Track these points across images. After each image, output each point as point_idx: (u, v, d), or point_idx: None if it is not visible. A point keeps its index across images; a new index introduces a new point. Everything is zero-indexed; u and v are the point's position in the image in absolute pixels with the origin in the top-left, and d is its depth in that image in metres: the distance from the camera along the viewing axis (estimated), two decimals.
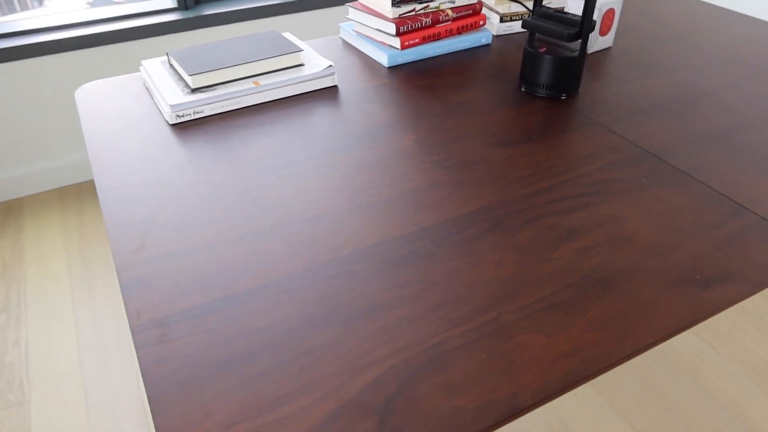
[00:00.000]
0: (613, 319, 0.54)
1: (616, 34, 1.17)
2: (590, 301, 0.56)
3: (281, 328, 0.53)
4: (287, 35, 1.04)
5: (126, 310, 0.55)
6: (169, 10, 1.96)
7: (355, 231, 0.65)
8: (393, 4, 0.99)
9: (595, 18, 1.04)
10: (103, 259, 1.62)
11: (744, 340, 1.38)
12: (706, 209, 0.68)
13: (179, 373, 0.49)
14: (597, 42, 1.08)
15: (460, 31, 1.08)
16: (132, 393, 1.25)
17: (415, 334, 0.52)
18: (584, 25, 0.86)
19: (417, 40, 1.03)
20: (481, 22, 1.10)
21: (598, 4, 1.03)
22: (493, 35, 1.16)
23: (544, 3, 0.93)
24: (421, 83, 0.98)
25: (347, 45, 1.12)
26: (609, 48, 1.11)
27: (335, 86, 0.96)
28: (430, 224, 0.66)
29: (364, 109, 0.90)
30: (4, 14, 1.92)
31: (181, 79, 0.91)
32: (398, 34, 1.00)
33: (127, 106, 0.90)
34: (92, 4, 2.00)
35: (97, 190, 0.72)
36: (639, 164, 0.76)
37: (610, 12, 1.05)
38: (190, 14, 1.92)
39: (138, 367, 1.30)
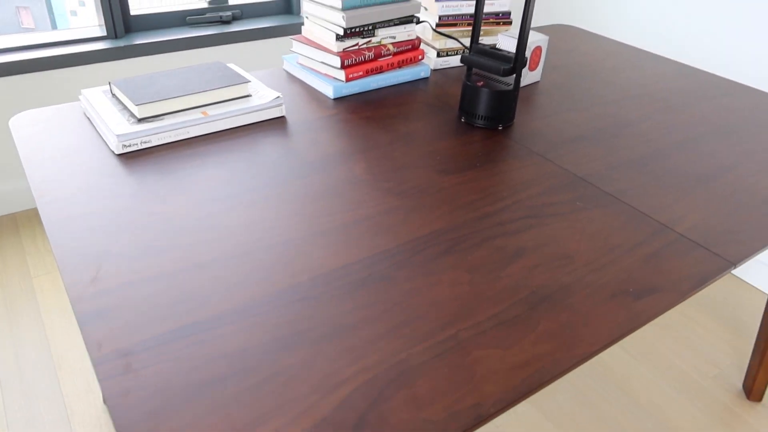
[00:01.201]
0: (560, 331, 0.59)
1: (543, 69, 1.26)
2: (539, 315, 0.60)
3: (249, 353, 0.54)
4: (232, 66, 1.05)
5: (85, 342, 0.54)
6: (99, 38, 1.91)
7: (314, 257, 0.66)
8: (337, 39, 1.03)
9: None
10: (29, 293, 1.53)
11: (666, 353, 1.49)
12: (633, 228, 0.75)
13: (147, 403, 0.49)
14: (527, 77, 1.16)
15: (400, 65, 1.14)
16: None
17: (381, 353, 0.55)
18: (517, 60, 0.93)
19: (361, 73, 1.07)
20: (420, 57, 1.16)
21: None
22: (432, 69, 1.22)
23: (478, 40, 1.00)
24: (366, 114, 1.02)
25: (291, 77, 1.15)
26: (537, 82, 1.20)
27: (283, 117, 0.98)
28: (387, 248, 0.68)
29: (312, 138, 0.92)
30: None
31: (126, 108, 0.90)
32: (343, 66, 1.04)
33: (67, 136, 0.88)
34: (101, 27, 1.92)
35: (44, 221, 0.70)
36: (573, 189, 0.83)
37: (538, 49, 1.14)
38: (120, 43, 1.89)
39: (67, 409, 1.23)
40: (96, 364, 0.52)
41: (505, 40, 1.14)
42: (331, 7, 1.03)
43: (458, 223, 0.74)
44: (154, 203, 0.74)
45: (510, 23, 1.26)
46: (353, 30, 1.04)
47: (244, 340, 0.55)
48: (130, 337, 0.55)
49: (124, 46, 1.88)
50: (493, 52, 0.96)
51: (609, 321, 0.60)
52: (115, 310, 0.57)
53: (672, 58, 1.83)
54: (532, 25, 2.16)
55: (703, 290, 1.73)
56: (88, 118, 0.94)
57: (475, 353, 0.55)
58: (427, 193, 0.80)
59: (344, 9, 1.01)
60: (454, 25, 1.20)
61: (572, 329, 0.59)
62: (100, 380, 0.51)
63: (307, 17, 1.10)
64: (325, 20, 1.05)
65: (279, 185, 0.79)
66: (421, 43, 1.24)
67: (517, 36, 1.13)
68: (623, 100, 1.14)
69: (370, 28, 1.06)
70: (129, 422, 0.47)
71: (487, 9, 1.23)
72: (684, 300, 0.66)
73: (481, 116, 0.97)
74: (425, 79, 1.18)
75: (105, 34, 1.91)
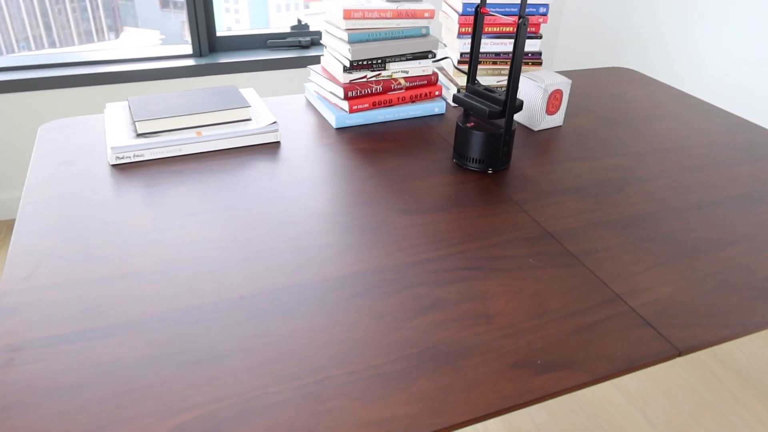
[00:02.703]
0: (434, 394, 0.55)
1: (567, 113, 1.19)
2: (420, 374, 0.57)
3: (118, 366, 0.56)
4: (245, 91, 1.10)
5: None
6: (186, 56, 2.09)
7: (233, 281, 0.68)
8: (344, 70, 1.05)
9: (539, 98, 1.07)
10: None
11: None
12: (580, 295, 0.69)
13: (7, 398, 0.53)
14: (544, 120, 1.11)
15: (413, 100, 1.13)
16: None
17: (239, 387, 0.55)
18: (507, 104, 0.89)
19: (366, 105, 1.08)
20: (437, 93, 1.15)
21: (543, 85, 1.06)
22: (452, 105, 1.20)
23: (478, 80, 0.97)
24: (361, 146, 1.02)
25: (309, 104, 1.18)
26: (559, 127, 1.14)
27: (278, 142, 1.02)
28: (302, 282, 0.68)
29: (295, 166, 0.95)
30: (82, 43, 2.08)
31: (133, 123, 0.98)
32: (346, 98, 1.06)
33: (80, 145, 0.98)
34: (165, 41, 2.15)
35: (17, 220, 0.78)
36: (534, 244, 0.78)
37: (558, 93, 1.09)
38: (203, 61, 2.05)
39: None
40: None
41: (525, 81, 1.10)
42: (341, 39, 1.05)
43: (390, 265, 0.72)
44: (121, 213, 0.80)
45: (540, 63, 1.21)
46: (360, 63, 1.05)
47: (119, 353, 0.58)
48: (27, 335, 0.59)
49: (206, 64, 2.04)
50: (486, 93, 0.93)
51: (494, 392, 0.56)
52: (28, 308, 0.63)
53: (741, 114, 1.65)
54: (586, 66, 2.04)
55: (760, 366, 1.52)
56: (105, 130, 1.03)
57: (330, 402, 0.54)
58: (376, 231, 0.79)
59: (350, 42, 1.03)
60: (478, 62, 1.18)
61: (449, 394, 0.55)
62: None
63: (325, 47, 1.13)
64: (337, 52, 1.08)
65: (238, 209, 0.82)
66: (445, 79, 1.23)
67: (539, 80, 1.08)
68: (647, 153, 1.05)
69: (380, 61, 1.07)
70: None
71: None
72: (594, 384, 0.59)
73: (471, 158, 0.94)
74: (440, 115, 1.16)
75: (191, 52, 2.08)
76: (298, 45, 2.21)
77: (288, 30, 2.23)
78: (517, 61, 0.87)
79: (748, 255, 0.78)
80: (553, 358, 0.60)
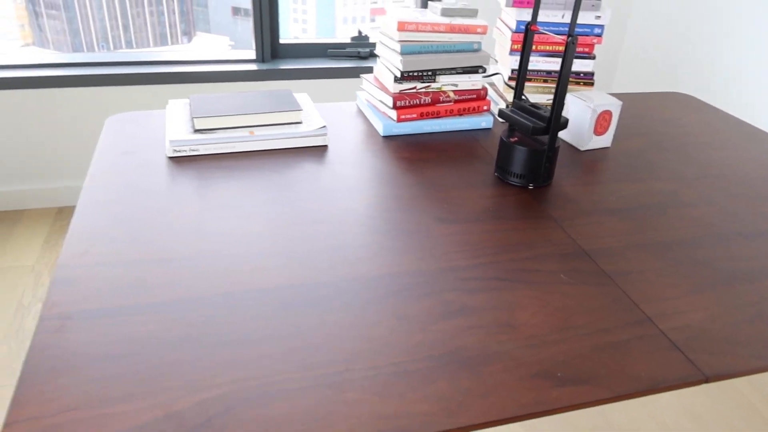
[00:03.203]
0: (452, 395, 0.56)
1: (616, 135, 1.18)
2: (440, 375, 0.59)
3: (153, 340, 0.60)
4: (299, 95, 1.15)
5: (44, 301, 0.65)
6: (249, 60, 2.17)
7: (268, 272, 0.71)
8: (395, 80, 1.08)
9: (587, 118, 1.07)
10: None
11: None
12: (608, 314, 0.69)
13: (55, 360, 0.57)
14: (592, 141, 1.10)
15: (461, 113, 1.15)
16: None
17: (263, 370, 0.58)
18: (552, 121, 0.90)
19: (414, 115, 1.11)
20: (485, 107, 1.16)
21: (592, 105, 1.06)
22: (499, 121, 1.21)
23: (524, 96, 0.98)
24: (405, 155, 1.05)
25: (359, 112, 1.22)
26: (607, 148, 1.13)
27: (326, 146, 1.05)
28: (334, 279, 0.71)
29: (339, 170, 0.98)
30: (156, 45, 2.21)
31: (192, 119, 1.04)
32: (395, 107, 1.09)
33: (142, 137, 1.04)
34: (234, 46, 2.26)
35: (78, 203, 0.84)
36: (567, 261, 0.78)
37: (606, 114, 1.08)
38: (265, 66, 2.13)
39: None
40: (41, 319, 0.62)
41: (574, 101, 1.10)
42: (394, 50, 1.08)
43: (421, 270, 0.74)
44: (172, 202, 0.85)
45: (591, 84, 1.20)
46: (411, 74, 1.08)
47: (156, 330, 0.61)
48: (76, 305, 0.64)
49: (267, 69, 2.12)
50: (532, 109, 0.94)
51: (512, 399, 0.57)
52: (81, 281, 0.68)
53: None
54: (645, 89, 1.98)
55: None
56: (165, 125, 1.09)
57: (349, 394, 0.56)
58: (411, 237, 0.81)
59: (402, 53, 1.06)
60: (528, 80, 1.19)
61: (466, 397, 0.56)
62: (35, 333, 0.60)
63: (378, 57, 1.17)
64: (390, 62, 1.11)
65: (281, 205, 0.86)
66: (494, 94, 1.24)
67: (588, 99, 1.08)
68: (696, 179, 1.03)
69: (430, 73, 1.10)
70: (32, 367, 0.56)
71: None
72: (611, 401, 0.59)
73: (512, 173, 0.95)
74: (487, 129, 1.17)
75: (255, 57, 2.17)
76: (357, 55, 2.26)
77: (348, 41, 2.29)
78: (564, 79, 0.87)
79: None
80: (574, 372, 0.60)
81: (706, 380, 0.61)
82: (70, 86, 1.99)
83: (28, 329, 1.53)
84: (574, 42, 0.85)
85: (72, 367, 0.56)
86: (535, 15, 0.92)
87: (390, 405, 0.55)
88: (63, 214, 2.06)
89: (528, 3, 1.14)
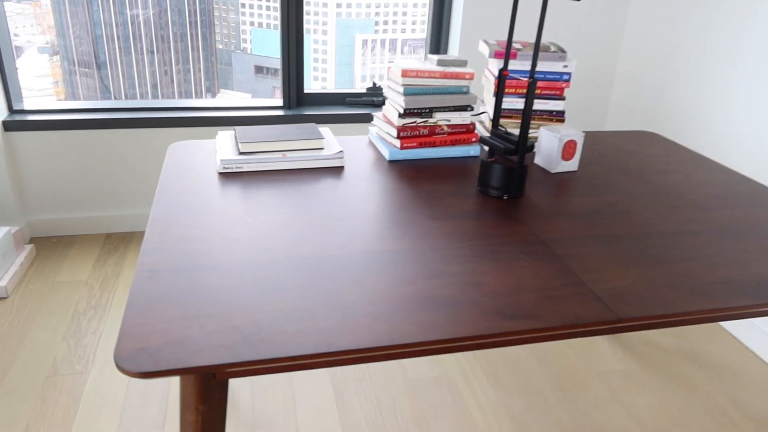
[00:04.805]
0: (429, 322, 0.79)
1: (583, 162, 1.42)
2: (421, 310, 0.82)
3: (216, 286, 0.84)
4: (322, 129, 1.42)
5: (137, 263, 0.89)
6: (278, 107, 2.48)
7: (299, 248, 0.95)
8: (399, 116, 1.35)
9: (555, 146, 1.32)
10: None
11: None
12: (552, 279, 0.91)
13: (149, 294, 0.81)
14: (560, 165, 1.34)
15: (453, 143, 1.40)
16: (164, 384, 1.57)
17: (293, 303, 0.81)
18: (519, 145, 1.15)
19: (414, 144, 1.36)
20: (474, 139, 1.42)
21: (559, 135, 1.31)
22: (484, 148, 1.46)
23: (500, 125, 1.23)
24: (407, 174, 1.30)
25: (370, 143, 1.48)
26: (574, 171, 1.37)
27: (342, 167, 1.31)
28: (347, 253, 0.95)
29: (353, 184, 1.23)
30: (183, 97, 2.53)
31: (237, 145, 1.31)
32: (399, 137, 1.35)
33: (198, 159, 1.31)
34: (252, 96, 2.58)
35: (153, 203, 1.09)
36: (527, 246, 1.01)
37: (572, 142, 1.33)
38: (291, 112, 2.42)
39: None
40: (136, 273, 0.87)
41: (545, 132, 1.35)
42: (398, 92, 1.35)
43: (412, 248, 0.97)
44: (223, 204, 1.10)
45: (563, 120, 1.46)
46: (412, 111, 1.35)
47: (216, 281, 0.85)
48: (160, 264, 0.89)
49: (293, 115, 2.41)
50: (506, 136, 1.19)
51: (472, 325, 0.79)
52: (161, 251, 0.92)
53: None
54: (612, 128, 2.22)
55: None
56: (215, 150, 1.36)
57: (353, 319, 0.79)
58: (408, 227, 1.05)
59: (405, 94, 1.33)
60: (509, 117, 1.44)
61: (438, 323, 0.79)
62: (133, 282, 0.85)
63: (386, 98, 1.44)
64: (395, 101, 1.38)
65: (307, 208, 1.11)
66: (482, 129, 1.49)
67: (556, 131, 1.33)
68: (644, 194, 1.26)
69: (428, 110, 1.36)
70: (135, 304, 0.80)
71: (544, 106, 1.45)
72: (548, 331, 0.80)
73: (491, 186, 1.19)
74: (475, 156, 1.42)
75: (282, 104, 2.47)
76: (372, 103, 2.55)
77: (364, 90, 2.59)
78: (528, 110, 1.12)
79: (701, 268, 0.98)
80: (520, 312, 0.83)
81: (618, 321, 0.83)
82: (115, 128, 2.30)
83: (83, 330, 1.77)
84: (534, 83, 1.11)
85: (162, 300, 0.80)
86: (506, 63, 1.18)
87: (383, 325, 0.78)
88: (111, 238, 2.33)
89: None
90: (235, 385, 1.60)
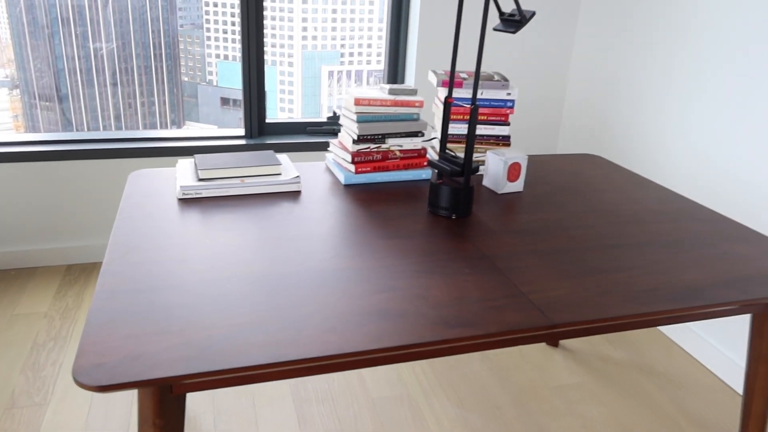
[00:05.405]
0: (378, 333, 0.84)
1: (528, 183, 1.51)
2: (370, 322, 0.87)
3: (173, 304, 0.88)
4: (280, 156, 1.47)
5: (97, 284, 0.92)
6: (240, 136, 2.53)
7: (257, 266, 1.00)
8: (353, 142, 1.41)
9: (501, 168, 1.40)
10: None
11: None
12: (494, 290, 0.98)
13: (108, 314, 0.84)
14: (506, 186, 1.42)
15: (406, 167, 1.47)
16: (126, 398, 1.57)
17: (248, 317, 0.85)
18: (465, 167, 1.22)
19: (368, 169, 1.43)
20: (425, 163, 1.49)
21: (503, 158, 1.39)
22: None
23: (448, 150, 1.30)
24: (361, 197, 1.36)
25: (327, 168, 1.54)
26: (520, 192, 1.45)
27: (299, 191, 1.36)
28: (304, 270, 1.00)
29: (310, 207, 1.28)
30: (146, 128, 2.55)
31: (197, 171, 1.35)
32: (353, 162, 1.41)
33: (158, 186, 1.35)
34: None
35: (113, 229, 1.13)
36: (472, 261, 1.07)
37: (516, 164, 1.41)
38: (252, 141, 2.47)
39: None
40: (96, 292, 0.90)
41: (492, 155, 1.43)
42: (352, 119, 1.42)
43: (364, 266, 1.03)
44: (183, 227, 1.14)
45: (508, 144, 1.54)
46: (365, 137, 1.41)
47: (173, 298, 0.89)
48: (119, 285, 0.92)
49: (255, 144, 2.46)
50: (453, 159, 1.26)
51: (418, 334, 0.84)
52: (121, 273, 0.96)
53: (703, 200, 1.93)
54: (563, 151, 2.35)
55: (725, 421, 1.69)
56: (176, 178, 1.40)
57: (308, 331, 0.83)
58: (360, 247, 1.10)
59: (358, 121, 1.40)
60: (458, 142, 1.52)
61: (386, 333, 0.84)
62: (93, 300, 0.88)
63: (341, 126, 1.50)
64: (349, 128, 1.44)
65: (265, 230, 1.15)
66: (434, 153, 1.57)
67: (502, 154, 1.42)
68: (584, 212, 1.34)
69: (381, 136, 1.43)
70: (95, 321, 0.83)
71: (490, 132, 1.54)
72: (487, 338, 0.86)
73: (440, 206, 1.26)
74: (426, 180, 1.49)
75: (244, 134, 2.52)
76: (332, 132, 2.63)
77: (325, 119, 2.66)
78: (471, 134, 1.20)
79: (634, 277, 1.05)
80: (463, 321, 0.88)
81: (554, 326, 0.89)
82: (75, 159, 2.31)
83: (42, 362, 1.76)
84: (476, 109, 1.19)
85: (120, 318, 0.84)
86: (450, 91, 1.26)
87: (334, 336, 0.83)
88: (72, 270, 2.32)
89: (454, 84, 1.50)
90: (197, 408, 1.61)
